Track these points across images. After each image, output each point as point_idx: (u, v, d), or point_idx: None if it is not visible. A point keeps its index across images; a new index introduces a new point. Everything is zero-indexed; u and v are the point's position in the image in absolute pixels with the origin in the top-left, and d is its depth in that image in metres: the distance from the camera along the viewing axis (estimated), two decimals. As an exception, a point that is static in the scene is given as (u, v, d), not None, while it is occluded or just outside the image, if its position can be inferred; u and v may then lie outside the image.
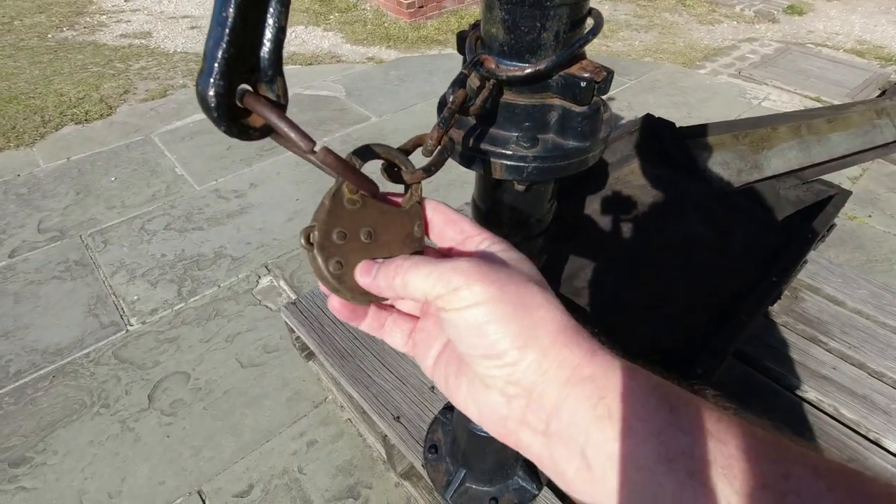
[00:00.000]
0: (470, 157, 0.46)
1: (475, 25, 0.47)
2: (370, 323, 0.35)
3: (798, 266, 1.30)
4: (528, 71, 0.41)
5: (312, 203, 2.14)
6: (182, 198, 2.19)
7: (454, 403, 0.31)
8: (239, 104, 0.26)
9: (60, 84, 3.03)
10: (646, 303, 1.26)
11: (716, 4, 4.78)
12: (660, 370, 0.27)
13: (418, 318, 0.35)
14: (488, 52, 0.43)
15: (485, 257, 0.31)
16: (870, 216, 2.14)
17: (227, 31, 0.24)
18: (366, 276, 0.31)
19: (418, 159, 0.34)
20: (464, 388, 0.30)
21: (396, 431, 1.10)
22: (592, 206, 1.53)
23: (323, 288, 0.32)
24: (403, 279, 0.30)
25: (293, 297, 1.73)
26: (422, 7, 4.12)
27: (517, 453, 0.33)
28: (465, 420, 0.86)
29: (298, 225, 2.04)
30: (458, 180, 2.18)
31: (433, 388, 1.16)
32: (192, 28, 3.93)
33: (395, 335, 0.35)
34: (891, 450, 1.11)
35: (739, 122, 1.76)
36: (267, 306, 1.72)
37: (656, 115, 1.71)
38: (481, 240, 0.33)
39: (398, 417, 1.11)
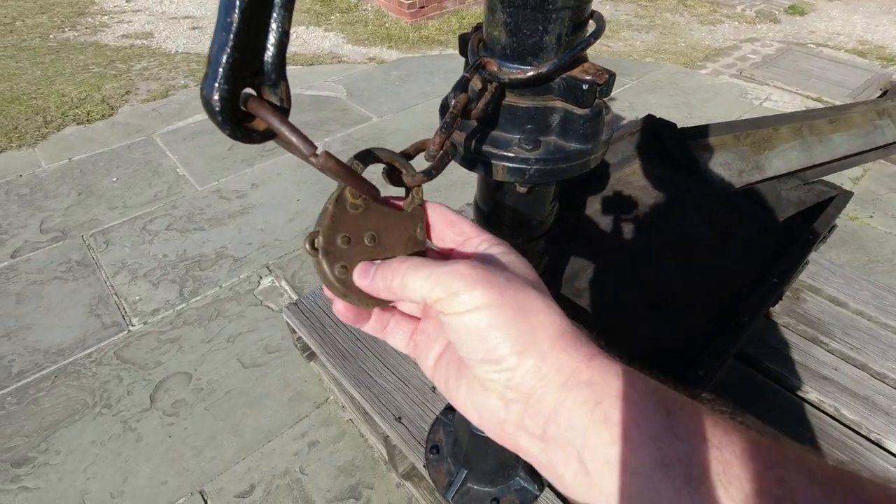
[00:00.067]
0: (472, 160, 0.46)
1: (477, 28, 0.47)
2: (373, 324, 0.35)
3: (799, 267, 1.30)
4: (531, 74, 0.41)
5: (314, 204, 2.14)
6: (183, 198, 2.19)
7: (454, 405, 0.31)
8: (242, 108, 0.26)
9: (62, 84, 3.04)
10: (647, 303, 1.26)
11: (717, 5, 4.78)
12: (657, 374, 0.27)
13: (420, 319, 0.35)
14: (490, 54, 0.43)
15: (484, 260, 0.31)
16: (871, 217, 2.14)
17: (232, 35, 0.24)
18: (364, 277, 0.31)
19: (419, 163, 0.35)
20: (463, 390, 0.30)
21: (398, 432, 1.10)
22: (593, 206, 1.53)
23: (328, 293, 0.33)
24: (402, 281, 0.29)
25: (294, 297, 1.73)
26: (423, 7, 4.12)
27: (518, 454, 0.34)
28: (467, 421, 0.86)
29: (300, 225, 2.05)
30: (460, 181, 2.18)
31: (434, 388, 1.16)
32: (194, 28, 3.94)
33: (396, 336, 0.35)
34: (892, 451, 1.11)
35: (741, 123, 1.76)
36: (268, 307, 1.72)
37: (657, 116, 1.71)
38: (480, 241, 0.33)
39: (400, 418, 1.12)
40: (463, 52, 0.47)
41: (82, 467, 1.31)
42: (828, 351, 1.29)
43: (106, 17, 4.09)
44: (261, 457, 1.33)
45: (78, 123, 2.70)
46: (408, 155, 0.35)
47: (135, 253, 1.92)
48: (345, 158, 0.31)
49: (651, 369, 0.28)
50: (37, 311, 1.71)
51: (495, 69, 0.42)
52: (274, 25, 0.26)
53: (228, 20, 0.24)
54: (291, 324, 1.36)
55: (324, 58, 3.55)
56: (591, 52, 0.44)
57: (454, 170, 0.38)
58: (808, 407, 1.20)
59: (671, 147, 1.67)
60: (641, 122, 1.71)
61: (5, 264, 1.87)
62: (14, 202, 2.16)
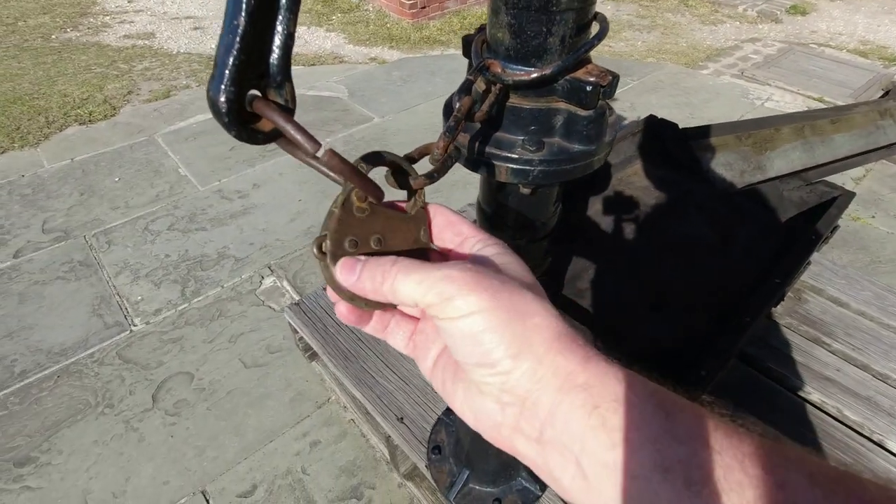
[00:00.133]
0: (476, 161, 0.47)
1: (481, 29, 0.47)
2: (374, 325, 0.35)
3: (801, 267, 1.30)
4: (535, 75, 0.41)
5: (315, 204, 2.15)
6: (185, 198, 2.19)
7: (451, 407, 0.31)
8: (248, 109, 0.26)
9: (64, 85, 3.04)
10: (648, 304, 1.26)
11: (718, 5, 4.78)
12: (658, 375, 0.27)
13: (419, 319, 0.35)
14: (494, 56, 0.43)
15: (478, 262, 0.31)
16: (873, 217, 2.14)
17: (238, 38, 0.24)
18: (349, 274, 0.30)
19: (422, 166, 0.35)
20: (460, 393, 0.30)
21: (400, 432, 1.10)
22: (595, 207, 1.53)
23: (332, 296, 0.33)
24: (392, 285, 0.29)
25: (296, 297, 1.74)
26: (424, 8, 4.12)
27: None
28: (469, 421, 0.86)
29: (301, 225, 2.05)
30: (461, 181, 2.18)
31: (436, 389, 1.16)
32: (196, 29, 3.94)
33: (397, 337, 0.35)
34: (895, 452, 1.11)
35: (742, 123, 1.76)
36: (270, 307, 1.72)
37: (659, 116, 1.71)
38: (476, 241, 0.33)
39: (402, 418, 1.12)
40: (466, 53, 0.47)
41: (84, 467, 1.31)
42: (830, 352, 1.29)
43: (108, 18, 4.10)
44: (262, 457, 1.33)
45: (80, 123, 2.70)
46: (412, 158, 0.35)
47: (137, 253, 1.92)
48: (347, 158, 0.31)
49: (652, 370, 0.27)
50: (39, 311, 1.71)
51: (499, 71, 0.42)
52: (279, 28, 0.26)
53: (235, 23, 0.24)
54: (293, 324, 1.37)
55: (325, 58, 3.55)
56: (592, 52, 0.44)
57: (456, 170, 0.38)
58: (810, 408, 1.20)
59: (673, 147, 1.67)
60: (643, 122, 1.71)
61: (8, 264, 1.88)
62: (16, 202, 2.17)
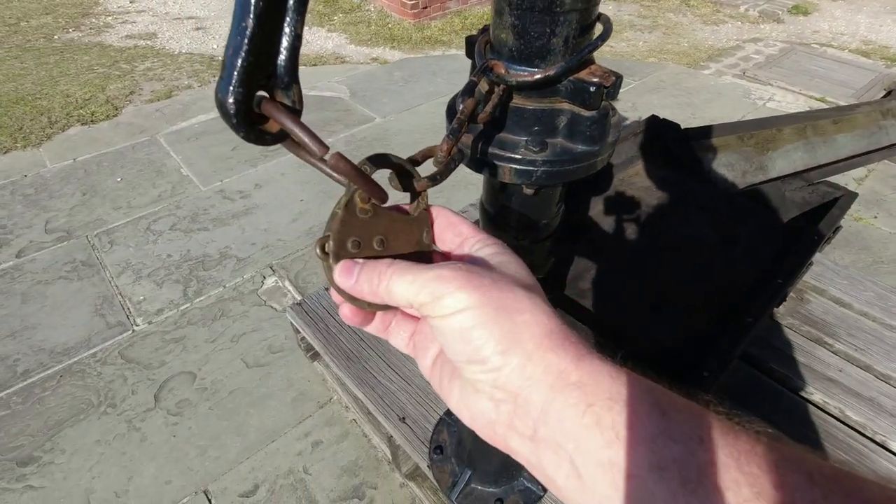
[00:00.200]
0: (479, 162, 0.47)
1: (484, 30, 0.48)
2: (376, 325, 0.35)
3: (804, 268, 1.29)
4: (538, 76, 0.41)
5: (317, 204, 2.15)
6: (187, 198, 2.20)
7: (448, 405, 0.31)
8: (256, 110, 0.26)
9: (67, 85, 3.05)
10: (650, 304, 1.26)
11: (720, 5, 4.77)
12: (657, 375, 0.27)
13: (419, 319, 0.36)
14: (498, 57, 0.44)
15: (473, 261, 0.31)
16: (875, 217, 2.14)
17: (247, 40, 0.24)
18: (347, 277, 0.31)
19: (426, 168, 0.35)
20: (456, 391, 0.30)
21: (402, 432, 1.10)
22: (597, 207, 1.53)
23: (335, 297, 0.33)
24: (387, 286, 0.29)
25: (298, 297, 1.74)
26: (426, 8, 4.12)
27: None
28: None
29: (303, 225, 2.05)
30: (462, 182, 2.19)
31: (438, 389, 1.16)
32: (197, 29, 3.95)
33: (398, 337, 0.36)
34: (897, 452, 1.11)
35: (744, 124, 1.76)
36: (272, 307, 1.73)
37: (661, 117, 1.71)
38: (475, 241, 0.33)
39: (404, 418, 1.12)
40: (469, 54, 0.48)
41: (87, 466, 1.31)
42: (832, 352, 1.29)
43: (110, 18, 4.10)
44: (264, 456, 1.34)
45: (82, 124, 2.71)
46: (415, 161, 0.36)
47: (139, 253, 1.93)
48: (352, 161, 0.31)
49: (654, 370, 0.27)
50: (42, 310, 1.71)
51: (503, 71, 0.42)
52: (287, 29, 0.26)
53: (243, 25, 0.24)
54: (295, 324, 1.37)
55: (327, 58, 3.56)
56: (594, 53, 0.44)
57: (457, 170, 0.38)
58: (812, 408, 1.20)
59: (675, 148, 1.67)
60: (645, 122, 1.71)
61: (10, 264, 1.88)
62: (19, 202, 2.17)
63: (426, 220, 0.35)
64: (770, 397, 1.22)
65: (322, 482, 1.28)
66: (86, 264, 1.88)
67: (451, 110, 0.49)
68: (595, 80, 0.41)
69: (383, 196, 0.32)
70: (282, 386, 1.49)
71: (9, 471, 1.30)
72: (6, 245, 1.96)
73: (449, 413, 1.11)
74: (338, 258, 0.31)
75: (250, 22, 0.24)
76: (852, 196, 1.43)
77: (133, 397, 1.47)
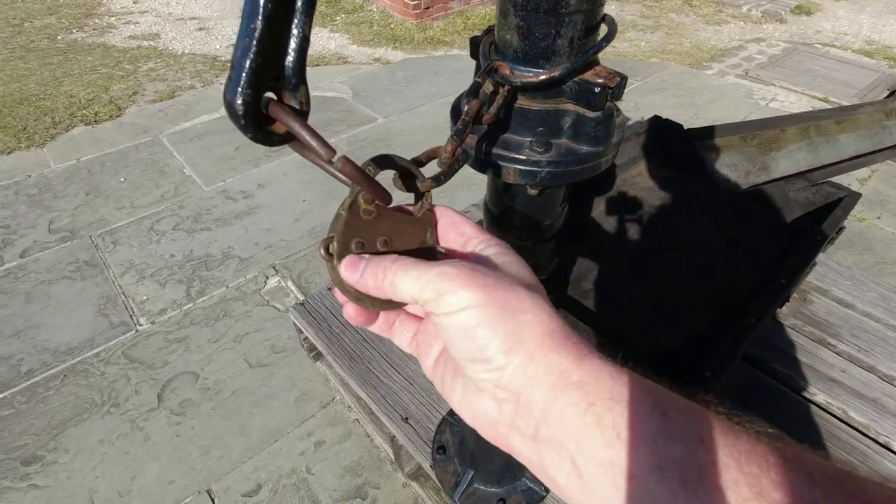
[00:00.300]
0: (483, 163, 0.47)
1: (488, 31, 0.48)
2: (380, 324, 0.35)
3: (807, 268, 1.29)
4: (543, 77, 0.41)
5: (319, 204, 2.15)
6: (190, 198, 2.20)
7: (450, 405, 0.31)
8: (264, 112, 0.27)
9: (70, 85, 3.06)
10: (653, 305, 1.25)
11: (722, 5, 4.76)
12: (658, 375, 0.27)
13: (422, 318, 0.36)
14: (502, 58, 0.44)
15: (477, 260, 0.31)
16: (879, 218, 2.13)
17: (255, 41, 0.24)
18: (352, 271, 0.31)
19: (430, 169, 0.35)
20: (458, 391, 0.30)
21: (404, 432, 1.10)
22: (600, 208, 1.53)
23: (340, 297, 0.33)
24: (392, 282, 0.29)
25: (301, 297, 1.74)
26: (428, 8, 4.12)
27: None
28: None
29: (305, 226, 2.05)
30: (465, 182, 2.19)
31: (441, 389, 1.17)
32: (200, 30, 3.96)
33: (401, 336, 0.36)
34: (901, 453, 1.11)
35: (747, 124, 1.75)
36: (275, 307, 1.73)
37: (663, 117, 1.71)
38: (479, 241, 0.33)
39: (406, 418, 1.12)
40: (474, 55, 0.48)
41: (91, 466, 1.32)
42: (835, 353, 1.28)
43: (113, 19, 4.12)
44: (267, 456, 1.34)
45: (86, 124, 2.72)
46: (419, 162, 0.36)
47: (142, 253, 1.93)
48: (356, 163, 0.31)
49: (655, 371, 0.27)
50: (45, 310, 1.72)
51: (507, 72, 0.42)
52: (295, 31, 0.26)
53: (252, 26, 0.24)
54: (298, 324, 1.37)
55: (329, 58, 3.56)
56: (597, 54, 0.44)
57: (460, 170, 0.38)
58: (815, 409, 1.19)
59: (677, 148, 1.67)
60: (647, 122, 1.71)
61: (14, 264, 1.89)
62: (23, 202, 2.18)
63: (430, 221, 0.35)
64: (772, 398, 1.22)
65: (325, 482, 1.29)
66: (89, 264, 1.89)
67: (456, 111, 0.49)
68: (600, 80, 0.41)
69: (387, 197, 0.32)
70: (284, 386, 1.49)
71: (13, 470, 1.31)
72: (10, 245, 1.97)
73: (452, 413, 1.11)
74: (342, 259, 0.31)
75: (259, 24, 0.24)
76: (856, 196, 1.43)
77: (136, 397, 1.47)
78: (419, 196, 0.35)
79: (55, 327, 1.66)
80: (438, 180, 0.35)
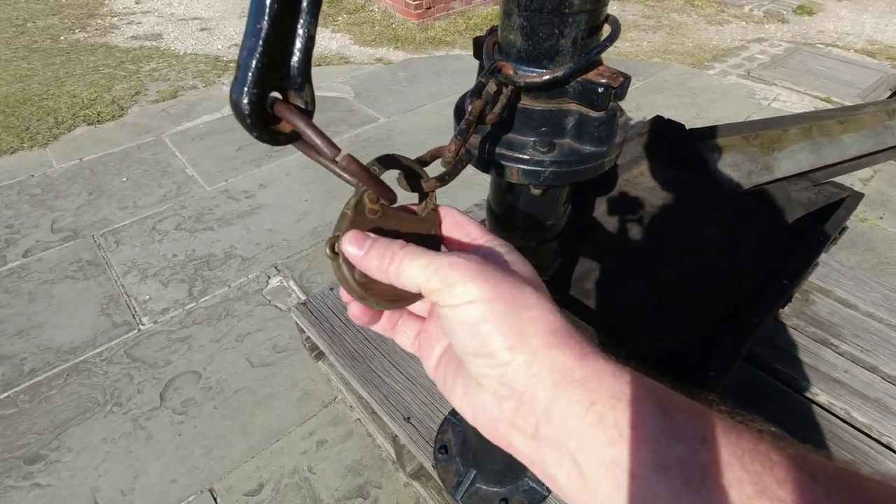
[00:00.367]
0: (487, 162, 0.47)
1: (492, 31, 0.48)
2: (383, 324, 0.36)
3: (809, 268, 1.29)
4: (546, 77, 0.41)
5: (321, 204, 2.15)
6: (192, 198, 2.21)
7: (451, 403, 0.31)
8: (270, 111, 0.27)
9: (73, 85, 3.07)
10: (655, 305, 1.25)
11: (724, 5, 4.76)
12: (659, 375, 0.27)
13: (425, 318, 0.36)
14: (506, 58, 0.44)
15: (483, 255, 0.31)
16: (881, 218, 2.13)
17: (261, 41, 0.24)
18: (358, 247, 0.30)
19: (433, 169, 0.35)
20: (460, 389, 0.30)
21: (406, 432, 1.10)
22: (602, 208, 1.53)
23: (345, 296, 0.33)
24: (398, 267, 0.29)
25: (302, 297, 1.74)
26: (429, 8, 4.13)
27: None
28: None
29: (307, 225, 2.06)
30: (467, 182, 2.18)
31: (443, 388, 1.17)
32: (202, 30, 3.96)
33: (404, 335, 0.36)
34: (903, 454, 1.11)
35: (749, 124, 1.75)
36: (277, 306, 1.73)
37: (665, 117, 1.70)
38: (484, 241, 0.33)
39: (408, 418, 1.12)
40: (477, 55, 0.48)
41: (93, 465, 1.32)
42: (838, 353, 1.28)
43: (116, 19, 4.12)
44: (269, 455, 1.34)
45: (88, 124, 2.73)
46: (423, 162, 0.36)
47: (145, 252, 1.94)
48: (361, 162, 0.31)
49: (658, 371, 0.27)
50: (48, 309, 1.72)
51: (511, 73, 0.42)
52: (301, 31, 0.26)
53: (258, 26, 0.24)
54: (300, 324, 1.37)
55: (331, 59, 3.56)
56: (599, 53, 0.44)
57: (462, 171, 0.38)
58: (817, 409, 1.19)
59: (679, 148, 1.67)
60: (649, 123, 1.70)
61: (17, 263, 1.89)
62: (26, 202, 2.19)
63: (434, 220, 0.35)
64: (775, 398, 1.21)
65: (326, 481, 1.29)
66: (92, 264, 1.90)
67: (460, 111, 0.49)
68: (603, 80, 0.41)
69: (392, 196, 0.32)
70: (287, 385, 1.50)
71: (16, 469, 1.31)
72: (13, 245, 1.98)
73: (454, 413, 1.11)
74: (347, 258, 0.31)
75: (265, 24, 0.24)
76: (858, 196, 1.43)
77: (139, 396, 1.47)
78: (423, 196, 0.35)
79: (58, 327, 1.67)
80: (443, 180, 0.35)
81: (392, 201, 0.33)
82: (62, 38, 3.78)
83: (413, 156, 0.36)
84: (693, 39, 4.08)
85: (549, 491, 0.99)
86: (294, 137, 0.28)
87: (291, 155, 2.39)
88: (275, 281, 1.83)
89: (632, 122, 2.20)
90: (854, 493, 0.21)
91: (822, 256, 1.38)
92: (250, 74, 0.25)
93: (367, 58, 3.62)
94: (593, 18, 0.41)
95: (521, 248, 0.33)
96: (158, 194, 2.23)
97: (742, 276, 1.32)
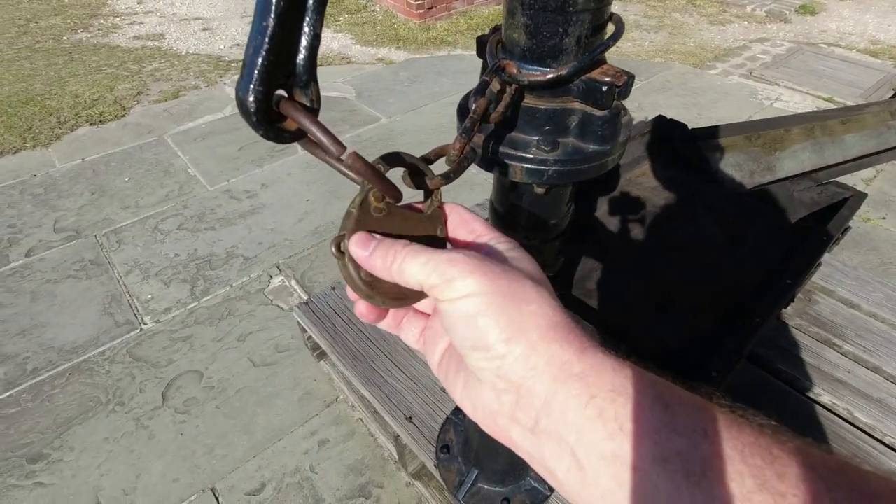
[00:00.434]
0: (490, 161, 0.47)
1: (495, 29, 0.48)
2: (389, 322, 0.36)
3: (812, 268, 1.29)
4: (550, 76, 0.41)
5: (323, 204, 2.16)
6: (194, 198, 2.21)
7: (452, 398, 0.32)
8: (275, 109, 0.27)
9: (75, 85, 3.07)
10: (657, 304, 1.25)
11: (727, 4, 4.75)
12: (654, 368, 0.27)
13: (430, 315, 0.36)
14: (510, 56, 0.44)
15: (485, 251, 0.31)
16: (884, 218, 2.12)
17: (267, 39, 0.24)
18: (363, 248, 0.31)
19: (438, 167, 0.35)
20: (460, 383, 0.30)
21: (408, 431, 1.10)
22: (604, 207, 1.53)
23: (351, 294, 0.33)
24: (400, 265, 0.29)
25: (304, 296, 1.74)
26: (431, 8, 4.13)
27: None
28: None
29: (309, 225, 2.06)
30: (469, 181, 2.19)
31: (444, 388, 1.17)
32: (204, 30, 3.97)
33: (409, 333, 0.36)
34: (906, 454, 1.10)
35: (752, 124, 1.75)
36: (278, 306, 1.73)
37: (667, 117, 1.70)
38: (488, 239, 0.33)
39: (410, 417, 1.12)
40: (480, 54, 0.48)
41: (96, 464, 1.32)
42: (840, 353, 1.28)
43: (118, 19, 4.13)
44: (271, 455, 1.34)
45: (91, 124, 2.73)
46: (428, 160, 0.36)
47: (147, 252, 1.94)
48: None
49: (663, 370, 0.27)
50: (51, 309, 1.73)
51: (515, 71, 0.42)
52: (306, 29, 0.26)
53: (264, 24, 0.24)
54: (302, 323, 1.37)
55: (333, 58, 3.57)
56: (600, 53, 0.44)
57: (466, 171, 0.38)
58: (820, 410, 1.19)
59: (682, 148, 1.67)
60: (652, 122, 1.70)
61: (20, 263, 1.90)
62: (28, 202, 2.19)
63: (440, 218, 0.35)
64: (777, 398, 1.21)
65: (328, 481, 1.29)
66: (94, 263, 1.90)
67: (464, 110, 0.49)
68: (607, 79, 0.41)
69: (398, 194, 0.32)
70: (288, 385, 1.50)
71: (18, 468, 1.32)
72: (16, 244, 1.98)
73: (456, 412, 1.11)
74: (353, 257, 0.31)
75: (271, 21, 0.24)
76: (861, 196, 1.42)
77: (141, 395, 1.48)
78: (428, 193, 0.35)
79: (60, 326, 1.67)
80: (448, 177, 0.36)
81: (398, 199, 0.33)
82: (65, 38, 3.79)
83: (418, 155, 0.36)
84: (695, 39, 4.07)
85: (551, 490, 0.99)
86: (299, 135, 0.28)
87: (293, 155, 2.39)
88: (276, 280, 1.83)
89: (634, 122, 2.19)
90: (855, 487, 0.21)
91: (825, 256, 1.38)
92: (256, 72, 0.25)
93: (368, 58, 3.62)
94: (597, 17, 0.41)
95: (524, 246, 0.33)
96: (160, 194, 2.23)
97: (744, 275, 1.32)
